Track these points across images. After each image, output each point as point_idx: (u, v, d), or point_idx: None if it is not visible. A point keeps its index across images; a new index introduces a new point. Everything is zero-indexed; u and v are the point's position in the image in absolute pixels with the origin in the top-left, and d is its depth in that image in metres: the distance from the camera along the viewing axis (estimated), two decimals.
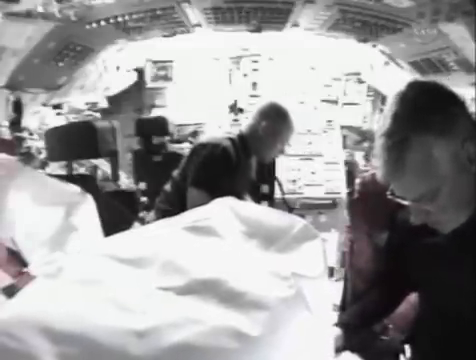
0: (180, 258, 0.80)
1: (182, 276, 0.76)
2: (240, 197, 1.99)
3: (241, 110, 4.16)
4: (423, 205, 0.88)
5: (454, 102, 0.88)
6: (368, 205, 1.55)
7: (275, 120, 1.99)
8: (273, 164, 3.25)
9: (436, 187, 0.85)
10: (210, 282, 0.73)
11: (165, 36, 3.11)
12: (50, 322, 0.67)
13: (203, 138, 2.03)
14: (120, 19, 2.58)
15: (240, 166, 1.97)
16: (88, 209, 1.38)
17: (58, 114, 3.36)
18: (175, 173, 2.04)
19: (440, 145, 0.84)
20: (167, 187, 2.07)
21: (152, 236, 0.89)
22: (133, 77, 4.16)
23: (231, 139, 1.95)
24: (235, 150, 1.93)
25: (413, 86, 0.90)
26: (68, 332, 0.66)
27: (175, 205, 1.93)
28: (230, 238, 0.86)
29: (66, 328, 0.66)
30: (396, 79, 3.32)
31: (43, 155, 2.67)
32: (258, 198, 2.89)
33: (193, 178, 1.89)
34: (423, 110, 0.86)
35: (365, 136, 4.27)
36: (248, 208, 0.96)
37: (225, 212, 0.93)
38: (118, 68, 3.80)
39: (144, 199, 2.56)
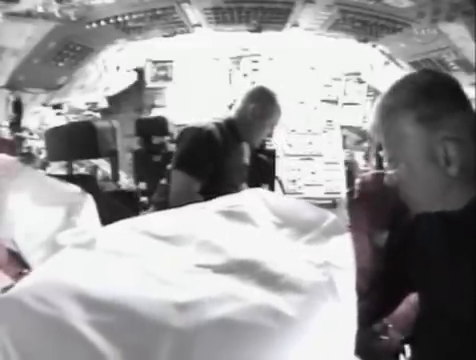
0: (216, 239, 0.80)
1: (219, 255, 0.75)
2: (234, 184, 2.02)
3: None
4: (392, 169, 0.92)
5: (461, 102, 0.88)
6: (368, 205, 1.55)
7: (263, 102, 1.99)
8: (273, 164, 3.25)
9: (401, 160, 0.89)
10: (247, 263, 0.73)
11: (165, 36, 3.11)
12: (83, 289, 0.65)
13: (190, 123, 2.03)
14: (120, 19, 2.58)
15: (229, 151, 1.97)
16: (88, 209, 1.38)
17: (58, 114, 3.36)
18: (168, 167, 2.06)
19: (416, 128, 0.86)
20: (163, 181, 2.09)
21: (185, 217, 0.89)
22: (133, 77, 4.16)
23: (217, 124, 1.95)
24: (222, 134, 1.92)
25: (427, 71, 0.93)
26: (103, 300, 0.64)
27: (168, 195, 1.94)
28: (262, 226, 0.86)
29: (101, 296, 0.64)
30: (396, 79, 3.32)
31: (43, 155, 2.68)
32: None
33: (176, 160, 1.90)
34: (423, 90, 0.88)
35: (365, 136, 4.27)
36: (279, 199, 0.96)
37: (256, 201, 0.93)
38: (118, 68, 3.80)
39: (144, 199, 2.56)
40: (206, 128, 1.91)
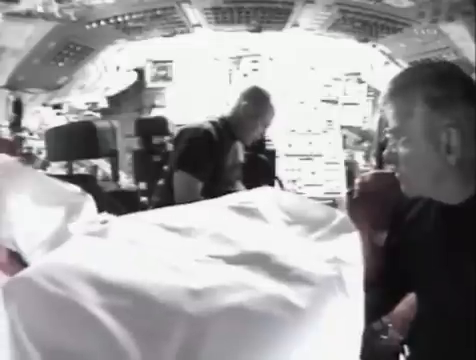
0: (228, 232, 0.80)
1: (231, 247, 0.75)
2: (231, 182, 2.08)
3: None
4: (394, 140, 0.93)
5: (472, 97, 0.89)
6: (368, 205, 1.55)
7: (255, 101, 2.04)
8: (273, 164, 3.25)
9: (404, 134, 0.90)
10: (259, 255, 0.73)
11: (165, 36, 3.11)
12: (96, 273, 0.65)
13: (186, 124, 2.09)
14: (120, 19, 2.58)
15: (225, 149, 2.02)
16: (88, 209, 1.38)
17: (58, 114, 3.36)
18: (165, 167, 2.09)
19: (424, 108, 0.87)
20: (160, 182, 2.13)
21: (196, 211, 0.90)
22: (133, 77, 4.16)
23: (212, 122, 2.00)
24: (218, 132, 1.97)
25: (445, 62, 0.95)
26: (117, 284, 0.63)
27: (164, 196, 1.98)
28: (273, 222, 0.87)
29: (114, 280, 0.64)
30: None
31: (43, 155, 2.68)
32: None
33: (177, 161, 1.94)
34: (436, 74, 0.89)
35: (365, 136, 4.28)
36: (288, 197, 0.97)
37: (267, 199, 0.93)
38: (118, 68, 3.80)
39: (144, 199, 2.56)
40: (203, 127, 1.94)
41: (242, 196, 0.95)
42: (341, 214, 0.88)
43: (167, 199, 1.88)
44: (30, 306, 0.61)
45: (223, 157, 2.01)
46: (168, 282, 0.65)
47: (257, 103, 2.04)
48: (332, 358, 0.67)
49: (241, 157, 2.22)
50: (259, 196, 0.94)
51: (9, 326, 0.60)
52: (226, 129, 2.03)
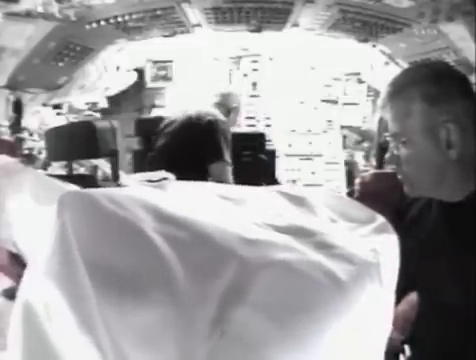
0: (278, 208, 0.82)
1: (280, 218, 0.78)
2: None
3: None
4: (395, 143, 0.94)
5: (468, 93, 0.90)
6: (368, 205, 1.55)
7: (238, 105, 2.41)
8: (273, 164, 3.25)
9: (404, 135, 0.90)
10: (306, 230, 0.76)
11: (165, 36, 3.11)
12: (158, 205, 0.66)
13: (196, 111, 2.26)
14: (120, 19, 2.58)
15: None
16: None
17: (58, 114, 3.36)
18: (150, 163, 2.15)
19: (422, 106, 0.88)
20: None
21: (248, 189, 0.92)
22: (133, 77, 4.16)
23: None
24: None
25: (441, 62, 0.97)
26: (176, 217, 0.65)
27: None
28: (319, 216, 0.89)
29: (174, 213, 0.66)
30: None
31: (43, 155, 2.67)
32: None
33: (219, 152, 2.00)
34: (432, 72, 0.91)
35: (365, 136, 4.27)
36: (331, 197, 0.98)
37: (313, 195, 0.95)
38: (118, 68, 3.80)
39: None
40: (224, 119, 2.14)
41: (290, 187, 0.98)
42: (381, 217, 0.90)
43: None
44: (84, 219, 0.62)
45: None
46: (226, 228, 0.67)
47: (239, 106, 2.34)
48: (365, 343, 0.68)
49: None
50: (305, 191, 0.96)
51: (59, 236, 0.60)
52: None
